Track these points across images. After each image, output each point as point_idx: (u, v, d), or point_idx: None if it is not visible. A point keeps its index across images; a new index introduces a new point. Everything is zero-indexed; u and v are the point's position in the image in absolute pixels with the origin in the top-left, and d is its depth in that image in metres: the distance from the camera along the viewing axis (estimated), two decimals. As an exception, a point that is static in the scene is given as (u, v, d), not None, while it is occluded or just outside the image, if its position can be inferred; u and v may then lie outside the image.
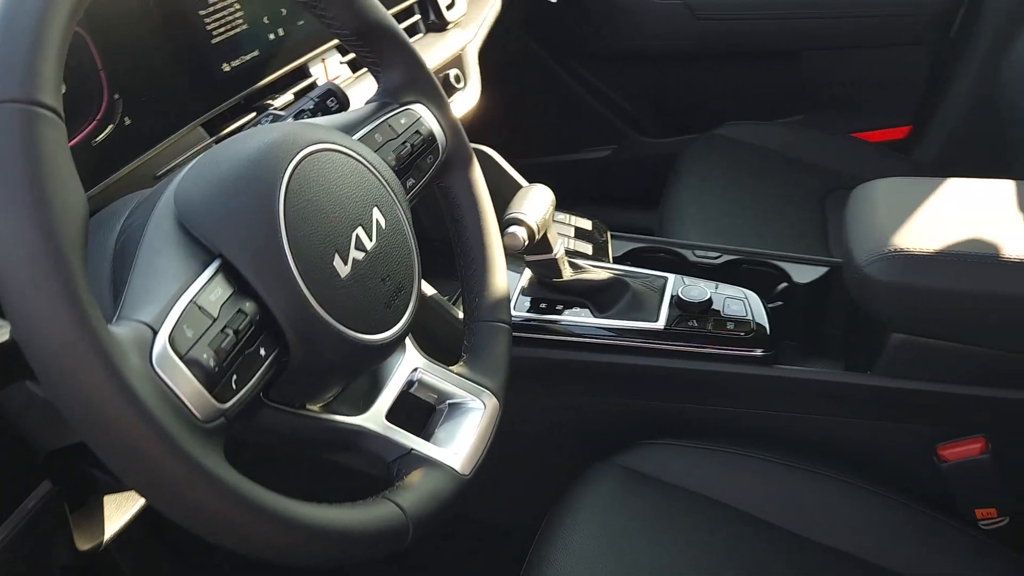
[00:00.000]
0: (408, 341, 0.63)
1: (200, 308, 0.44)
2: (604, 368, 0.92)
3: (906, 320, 0.84)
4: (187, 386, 0.41)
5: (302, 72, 0.89)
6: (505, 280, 0.70)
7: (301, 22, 0.88)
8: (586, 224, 1.12)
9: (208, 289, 0.45)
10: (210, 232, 0.47)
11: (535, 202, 0.86)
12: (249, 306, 0.46)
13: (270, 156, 0.50)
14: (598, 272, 0.96)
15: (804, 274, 1.01)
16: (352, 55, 0.96)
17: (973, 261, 0.79)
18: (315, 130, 0.54)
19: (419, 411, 0.62)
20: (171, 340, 0.42)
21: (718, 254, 1.05)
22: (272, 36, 0.84)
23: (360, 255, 0.53)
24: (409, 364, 0.62)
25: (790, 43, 1.66)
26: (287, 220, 0.48)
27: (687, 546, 0.81)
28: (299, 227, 0.49)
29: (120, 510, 0.68)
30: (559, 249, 0.92)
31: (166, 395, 0.40)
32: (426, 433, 0.60)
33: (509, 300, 0.70)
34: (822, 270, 1.01)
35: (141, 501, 0.70)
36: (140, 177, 0.68)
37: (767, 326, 0.91)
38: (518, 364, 0.94)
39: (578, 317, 0.93)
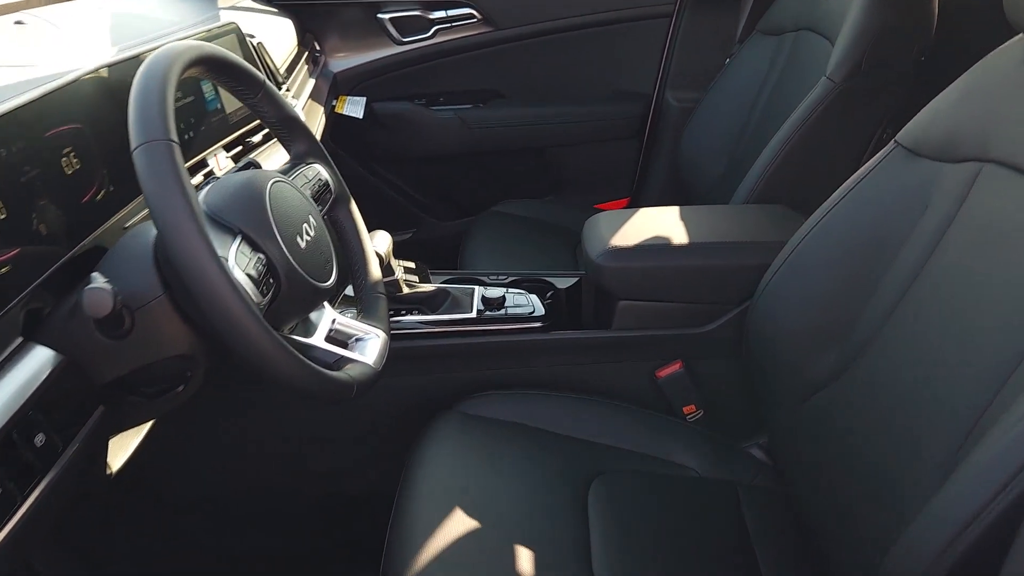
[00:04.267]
0: (327, 304, 1.01)
1: (241, 253, 0.81)
2: (438, 350, 1.33)
3: (625, 290, 1.32)
4: (244, 280, 0.78)
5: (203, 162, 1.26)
6: (379, 270, 1.11)
7: (203, 127, 1.25)
8: (412, 265, 1.54)
9: (239, 248, 0.82)
10: (234, 219, 0.84)
11: (381, 236, 1.27)
12: (262, 258, 0.84)
13: (257, 178, 0.88)
14: (427, 287, 1.38)
15: (564, 282, 1.49)
16: (237, 150, 1.34)
17: (660, 247, 1.31)
18: (272, 173, 0.93)
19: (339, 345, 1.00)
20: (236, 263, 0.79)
21: (506, 276, 1.50)
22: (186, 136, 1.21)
23: (308, 239, 0.91)
24: (329, 316, 1.00)
25: (537, 142, 2.23)
26: (272, 213, 0.86)
27: (520, 466, 1.17)
28: (278, 217, 0.87)
29: (124, 450, 0.98)
30: (399, 272, 1.33)
31: (237, 281, 0.76)
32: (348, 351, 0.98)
33: (383, 282, 1.10)
34: (575, 279, 1.49)
35: (139, 439, 1.00)
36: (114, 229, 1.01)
37: (543, 310, 1.37)
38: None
39: (416, 317, 1.34)
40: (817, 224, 1.18)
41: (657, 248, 1.31)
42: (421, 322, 1.33)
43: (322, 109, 1.85)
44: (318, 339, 0.94)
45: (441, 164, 2.27)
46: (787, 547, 1.14)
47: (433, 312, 1.35)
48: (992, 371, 0.86)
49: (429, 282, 1.50)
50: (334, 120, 2.04)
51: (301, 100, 1.72)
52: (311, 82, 1.87)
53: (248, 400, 1.36)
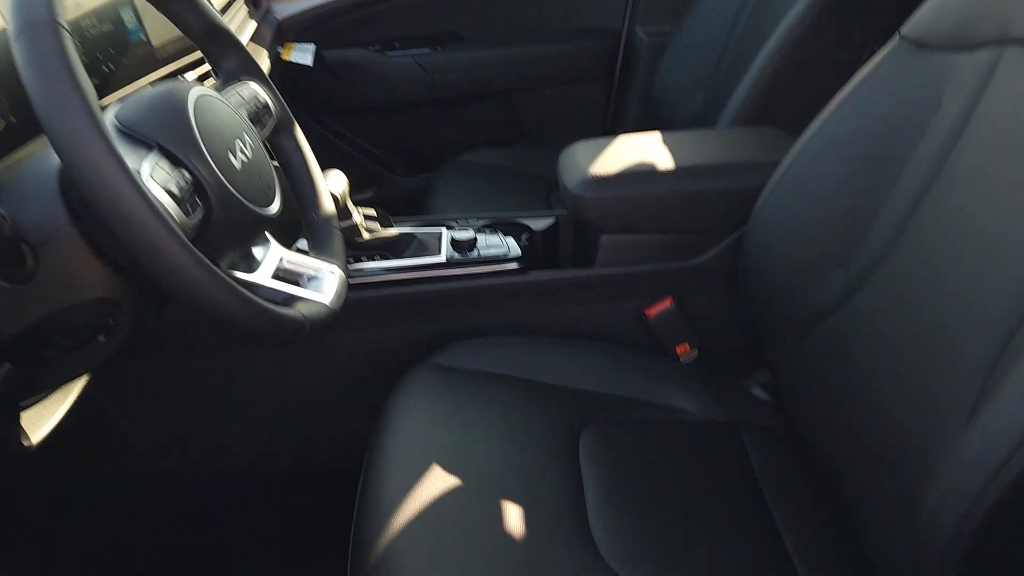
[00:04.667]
0: (272, 240, 0.88)
1: (159, 167, 0.68)
2: (405, 299, 1.21)
3: (608, 223, 1.21)
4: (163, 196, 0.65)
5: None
6: (332, 204, 0.98)
7: (124, 60, 1.11)
8: (372, 212, 1.41)
9: (156, 162, 0.69)
10: (149, 131, 0.71)
11: (336, 176, 1.14)
12: (185, 174, 0.70)
13: (178, 88, 0.75)
14: (390, 231, 1.25)
15: (540, 224, 1.36)
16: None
17: (644, 173, 1.19)
18: (199, 86, 0.80)
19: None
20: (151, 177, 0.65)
21: (476, 220, 1.38)
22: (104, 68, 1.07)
23: (244, 159, 0.78)
24: (276, 253, 0.87)
25: (502, 86, 2.10)
26: (198, 126, 0.73)
27: (502, 420, 1.06)
28: (204, 131, 0.74)
29: (45, 418, 0.85)
30: (357, 216, 1.20)
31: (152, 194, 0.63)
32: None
33: (337, 215, 0.98)
34: (551, 220, 1.37)
35: (66, 407, 0.87)
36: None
37: (519, 251, 1.25)
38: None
39: (378, 263, 1.21)
40: (814, 137, 1.08)
41: (641, 174, 1.19)
42: (385, 268, 1.21)
43: (266, 53, 1.70)
44: (262, 276, 0.81)
45: (400, 114, 2.13)
46: (798, 488, 1.04)
47: (397, 258, 1.22)
48: (1006, 314, 0.76)
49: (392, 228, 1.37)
50: (280, 69, 1.89)
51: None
52: (251, 24, 1.72)
53: (198, 368, 1.23)
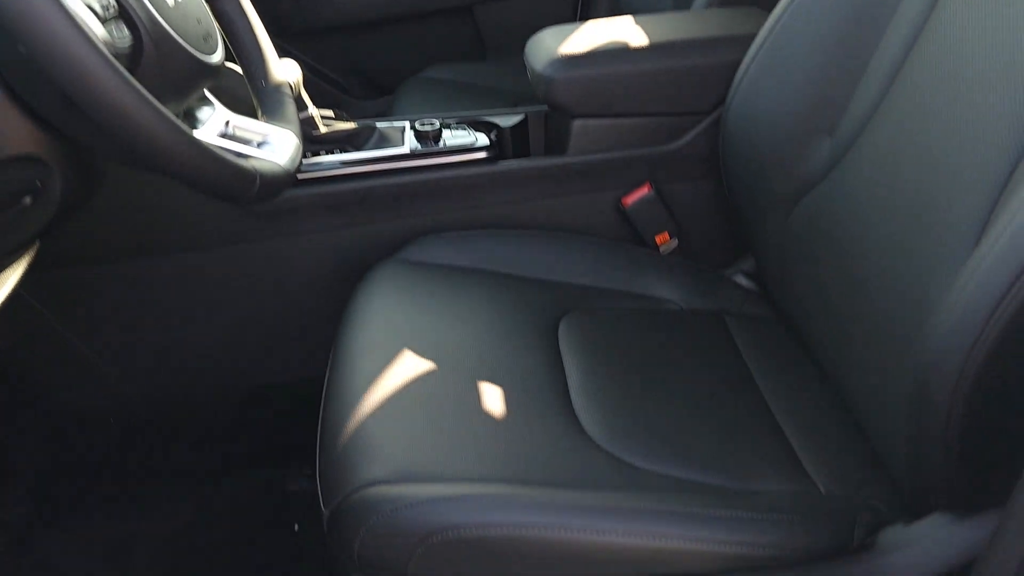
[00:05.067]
0: (216, 102, 0.80)
1: None
2: (367, 193, 1.13)
3: (580, 105, 1.14)
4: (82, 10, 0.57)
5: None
6: (280, 68, 0.90)
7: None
8: (330, 113, 1.32)
9: None
10: None
11: (288, 64, 1.05)
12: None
13: None
14: (348, 124, 1.17)
15: (508, 120, 1.29)
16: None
17: (617, 51, 1.12)
18: None
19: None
20: None
21: (439, 119, 1.30)
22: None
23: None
24: (222, 116, 0.79)
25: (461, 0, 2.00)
26: None
27: (475, 311, 0.99)
28: None
29: None
30: (313, 109, 1.12)
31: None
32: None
33: (289, 82, 0.89)
34: (520, 116, 1.29)
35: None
36: None
37: (488, 141, 1.17)
38: (293, 204, 1.12)
39: (336, 156, 1.13)
40: (793, 2, 1.01)
41: (613, 52, 1.12)
42: (344, 162, 1.13)
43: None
44: (207, 135, 0.73)
45: (355, 33, 2.02)
46: (788, 367, 0.99)
47: (358, 151, 1.14)
48: (1017, 129, 0.71)
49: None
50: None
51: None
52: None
53: (149, 277, 1.14)
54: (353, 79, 2.07)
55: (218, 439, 1.30)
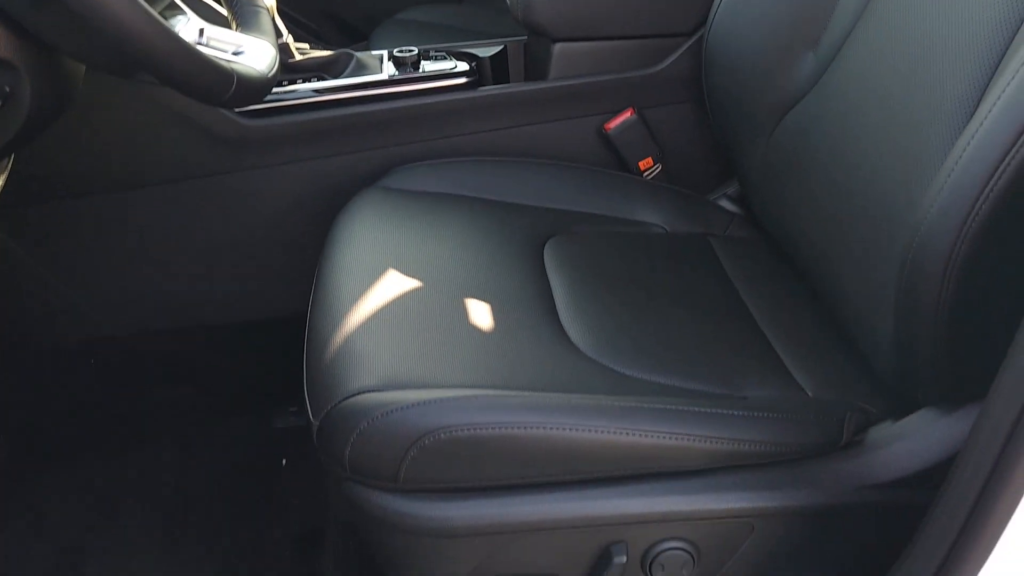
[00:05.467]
0: (190, 11, 0.77)
1: None
2: (344, 122, 1.11)
3: (560, 28, 1.12)
4: None
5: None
6: None
7: None
8: (305, 46, 1.29)
9: None
10: None
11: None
12: None
13: None
14: (324, 52, 1.15)
15: (487, 51, 1.27)
16: None
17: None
18: None
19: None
20: None
21: (415, 49, 1.27)
22: None
23: None
24: (195, 24, 0.77)
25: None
26: None
27: (460, 234, 0.98)
28: None
29: None
30: (288, 36, 1.10)
31: None
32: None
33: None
34: (499, 47, 1.27)
35: None
36: None
37: (468, 67, 1.16)
38: (268, 134, 1.10)
39: (314, 84, 1.11)
40: (775, -84, 1.00)
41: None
42: (319, 90, 1.10)
43: None
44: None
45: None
46: (773, 284, 0.99)
47: (335, 79, 1.12)
48: (996, 32, 0.70)
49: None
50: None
51: None
52: None
53: (127, 210, 1.11)
54: (326, 23, 2.02)
55: (202, 379, 1.29)
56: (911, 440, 0.73)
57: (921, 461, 0.72)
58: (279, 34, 1.08)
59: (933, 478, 0.67)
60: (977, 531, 0.58)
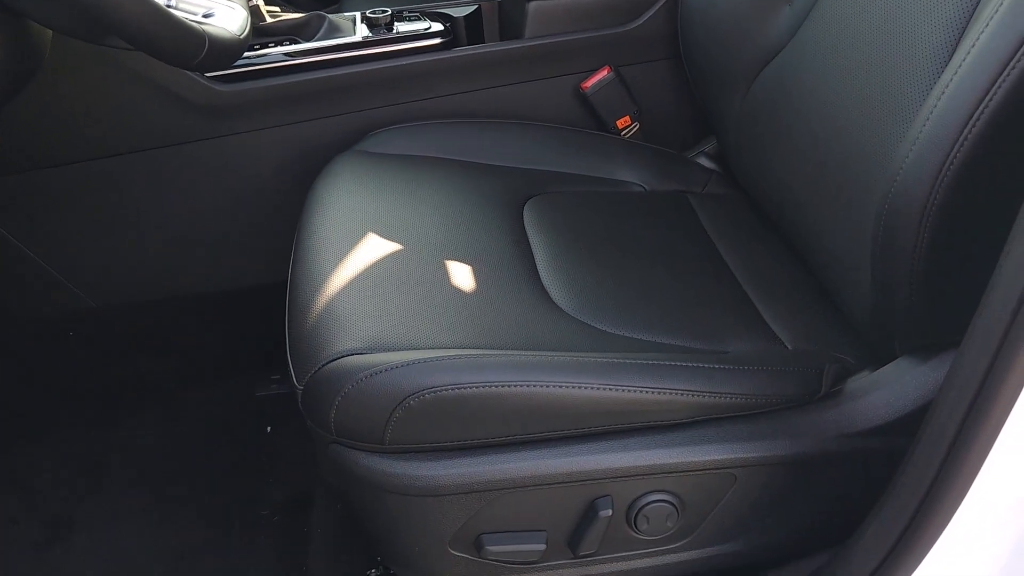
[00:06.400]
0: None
1: None
2: (318, 86, 1.09)
3: (534, -13, 1.11)
4: None
5: None
6: None
7: None
8: (276, 9, 1.27)
9: None
10: None
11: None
12: None
13: None
14: (296, 14, 1.13)
15: (461, 11, 1.25)
16: None
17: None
18: None
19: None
20: None
21: (388, 10, 1.25)
22: None
23: None
24: (164, -12, 0.75)
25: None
26: None
27: (439, 195, 0.97)
28: None
29: None
30: (258, -1, 1.08)
31: None
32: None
33: None
34: (473, 7, 1.26)
35: None
36: None
37: (442, 27, 1.14)
38: (241, 99, 1.08)
39: (286, 48, 1.09)
40: None
41: (566, -73, 1.09)
42: (291, 53, 1.09)
43: None
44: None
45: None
46: (752, 240, 1.00)
47: (307, 41, 1.10)
48: None
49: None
50: None
51: None
52: None
53: (105, 179, 1.10)
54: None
55: (182, 349, 1.28)
56: (888, 389, 0.74)
57: (898, 409, 0.74)
58: (249, -4, 1.07)
59: (910, 425, 0.69)
60: (953, 474, 0.60)
